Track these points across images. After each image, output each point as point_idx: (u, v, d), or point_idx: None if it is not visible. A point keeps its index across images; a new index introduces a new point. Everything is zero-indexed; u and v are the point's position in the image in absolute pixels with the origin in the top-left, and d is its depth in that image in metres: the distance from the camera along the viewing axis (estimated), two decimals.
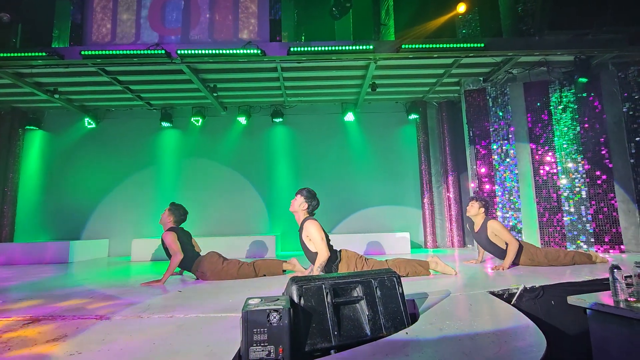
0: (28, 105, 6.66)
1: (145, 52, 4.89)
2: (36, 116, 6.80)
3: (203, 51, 4.91)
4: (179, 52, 4.88)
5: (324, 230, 3.13)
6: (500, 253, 3.70)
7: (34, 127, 6.73)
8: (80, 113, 6.80)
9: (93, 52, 4.93)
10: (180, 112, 6.98)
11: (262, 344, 1.38)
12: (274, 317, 1.41)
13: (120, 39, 5.61)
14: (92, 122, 6.80)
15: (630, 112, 5.11)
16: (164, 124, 6.80)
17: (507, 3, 5.75)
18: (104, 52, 4.94)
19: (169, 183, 6.82)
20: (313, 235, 3.05)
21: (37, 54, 4.88)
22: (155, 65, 5.19)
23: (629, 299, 2.12)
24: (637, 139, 5.03)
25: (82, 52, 4.91)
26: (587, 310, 2.28)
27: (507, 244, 3.60)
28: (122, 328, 1.87)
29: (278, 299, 1.56)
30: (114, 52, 4.93)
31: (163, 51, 4.88)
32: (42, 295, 2.79)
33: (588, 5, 4.71)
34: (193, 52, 4.91)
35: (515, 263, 3.70)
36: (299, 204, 3.19)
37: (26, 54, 4.90)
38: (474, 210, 3.86)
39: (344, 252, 3.24)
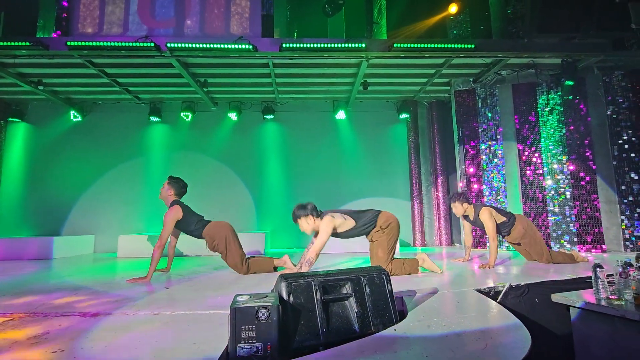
0: (11, 96, 6.46)
1: (134, 44, 4.79)
2: (19, 108, 6.60)
3: (193, 45, 4.84)
4: (168, 45, 4.79)
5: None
6: (503, 228, 3.88)
7: (17, 120, 6.53)
8: (66, 106, 6.63)
9: (79, 43, 4.80)
10: (170, 107, 6.87)
11: (250, 341, 1.37)
12: (263, 314, 1.40)
13: (108, 31, 5.47)
14: (78, 115, 6.63)
15: (614, 116, 5.24)
16: (153, 119, 6.69)
17: (497, 5, 5.82)
18: (90, 44, 4.81)
19: (156, 179, 6.70)
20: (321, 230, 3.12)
21: (20, 43, 4.72)
22: (144, 58, 5.09)
23: (610, 296, 2.18)
24: (619, 141, 5.17)
25: (68, 43, 4.78)
26: (570, 307, 2.34)
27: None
28: (106, 325, 1.83)
29: (267, 296, 1.55)
30: (102, 44, 4.81)
31: (152, 44, 4.79)
32: (23, 292, 2.72)
33: (575, 9, 4.80)
34: (183, 45, 4.83)
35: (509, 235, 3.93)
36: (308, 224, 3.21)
37: (9, 44, 4.74)
38: (461, 210, 3.96)
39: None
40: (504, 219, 3.89)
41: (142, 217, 6.57)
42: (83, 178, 6.61)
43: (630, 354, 1.98)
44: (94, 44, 4.81)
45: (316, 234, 3.24)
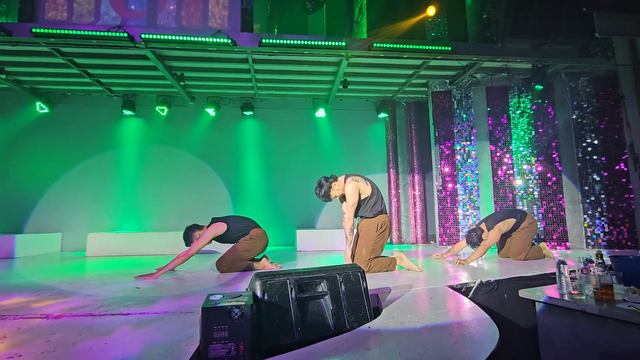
0: None
1: (106, 34, 4.58)
2: None
3: (169, 37, 4.68)
4: (143, 36, 4.61)
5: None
6: (514, 228, 4.08)
7: None
8: (31, 96, 6.26)
9: (46, 31, 4.54)
10: (144, 100, 6.63)
11: (223, 342, 1.35)
12: (236, 314, 1.38)
13: (77, 18, 5.20)
14: (44, 107, 6.28)
15: (579, 120, 5.52)
16: (126, 112, 6.43)
17: (473, 10, 5.99)
18: (58, 31, 4.55)
19: (129, 174, 6.47)
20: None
21: None
22: (117, 48, 4.88)
23: (572, 291, 2.29)
24: (583, 144, 5.45)
25: (34, 30, 4.51)
26: (536, 302, 2.45)
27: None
28: (70, 328, 1.75)
29: (240, 295, 1.52)
30: (70, 32, 4.56)
31: (125, 34, 4.60)
32: None
33: (546, 17, 5.00)
34: (158, 37, 4.66)
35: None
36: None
37: None
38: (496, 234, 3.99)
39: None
40: (514, 220, 4.07)
41: (114, 214, 6.32)
42: (49, 173, 6.27)
43: (589, 345, 2.09)
44: (62, 32, 4.56)
45: (343, 198, 3.38)
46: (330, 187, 3.33)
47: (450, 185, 5.79)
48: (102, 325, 1.80)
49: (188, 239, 3.57)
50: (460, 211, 5.70)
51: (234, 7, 5.38)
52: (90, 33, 4.58)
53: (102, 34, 4.58)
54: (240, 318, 1.38)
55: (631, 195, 5.18)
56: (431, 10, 5.72)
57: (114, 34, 4.58)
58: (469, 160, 5.76)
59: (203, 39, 4.74)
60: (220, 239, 3.57)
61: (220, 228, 3.50)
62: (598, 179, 5.31)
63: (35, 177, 6.22)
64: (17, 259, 4.93)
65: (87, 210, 6.26)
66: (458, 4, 6.19)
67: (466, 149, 5.79)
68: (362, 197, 3.36)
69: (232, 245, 3.57)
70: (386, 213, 3.46)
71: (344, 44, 4.92)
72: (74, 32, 4.57)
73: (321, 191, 3.33)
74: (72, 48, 4.88)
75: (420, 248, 5.89)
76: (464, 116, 5.86)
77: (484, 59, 5.22)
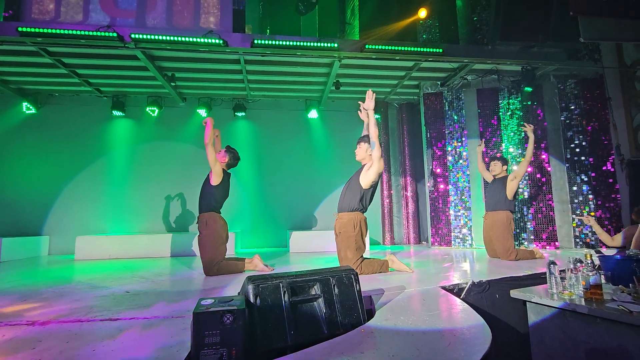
0: None
1: (95, 33, 4.51)
2: None
3: (160, 37, 4.63)
4: (133, 36, 4.55)
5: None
6: (501, 200, 4.32)
7: None
8: (18, 97, 6.13)
9: (32, 30, 4.45)
10: (134, 101, 6.54)
11: (214, 347, 1.32)
12: (228, 319, 1.36)
13: (65, 17, 5.10)
14: (31, 108, 6.15)
15: (567, 121, 5.61)
16: (116, 113, 6.34)
17: (464, 12, 6.05)
18: (45, 31, 4.47)
19: (119, 176, 6.37)
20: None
21: None
22: (106, 48, 4.81)
23: (562, 291, 2.32)
24: (571, 145, 5.54)
25: (20, 29, 4.42)
26: (527, 302, 2.47)
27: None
28: (57, 335, 1.71)
29: (232, 299, 1.50)
30: (58, 31, 4.48)
31: (115, 34, 4.53)
32: None
33: (535, 20, 5.08)
34: (149, 37, 4.60)
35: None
36: (365, 150, 3.48)
37: None
38: (498, 169, 4.50)
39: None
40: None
41: (103, 216, 6.22)
42: (36, 174, 6.14)
43: (579, 344, 2.12)
44: (50, 31, 4.48)
45: (362, 167, 3.48)
46: (365, 142, 3.48)
47: (442, 186, 5.83)
48: (91, 331, 1.76)
49: (207, 186, 3.71)
50: (452, 212, 5.75)
51: (225, 7, 5.34)
52: (78, 33, 4.51)
53: (90, 33, 4.50)
54: (232, 323, 1.36)
55: (618, 196, 5.28)
56: (422, 13, 5.77)
57: (103, 34, 4.52)
58: (460, 161, 5.82)
59: (194, 40, 4.70)
60: (207, 186, 3.66)
61: (221, 171, 3.64)
62: (586, 179, 5.40)
63: (21, 179, 6.09)
64: (2, 263, 4.81)
65: (76, 213, 6.14)
66: (449, 7, 6.25)
67: (457, 150, 5.84)
68: (369, 185, 3.33)
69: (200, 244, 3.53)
70: (365, 211, 3.43)
71: (336, 45, 4.92)
72: (62, 31, 4.49)
73: (363, 138, 3.53)
74: (59, 48, 4.79)
75: (412, 249, 5.92)
76: (455, 117, 5.92)
77: (475, 60, 5.28)
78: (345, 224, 3.30)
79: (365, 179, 3.33)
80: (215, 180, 3.59)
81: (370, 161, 3.35)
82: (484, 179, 5.71)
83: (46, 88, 6.17)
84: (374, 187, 3.38)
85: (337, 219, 3.44)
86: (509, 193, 4.26)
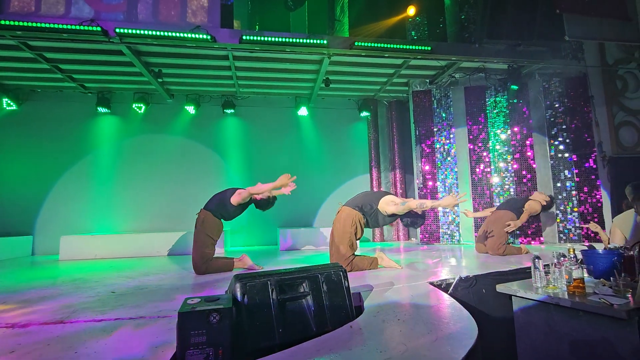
0: None
1: (78, 27, 4.38)
2: None
3: (146, 32, 4.52)
4: (117, 30, 4.44)
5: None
6: (516, 208, 4.39)
7: None
8: None
9: (11, 23, 4.30)
10: (120, 98, 6.40)
11: (200, 347, 1.31)
12: (214, 318, 1.34)
13: (46, 11, 4.94)
14: (12, 104, 5.97)
15: (551, 119, 5.72)
16: (101, 110, 6.19)
17: (452, 11, 6.10)
18: (25, 24, 4.33)
19: (104, 175, 6.24)
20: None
21: None
22: (90, 43, 4.68)
23: (546, 285, 2.37)
24: (555, 142, 5.66)
25: None
26: (512, 296, 2.52)
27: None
28: (38, 336, 1.66)
29: (219, 298, 1.49)
30: (39, 25, 4.34)
31: (99, 28, 4.42)
32: None
33: (520, 18, 5.15)
34: (134, 31, 4.50)
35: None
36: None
37: None
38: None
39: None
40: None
41: (88, 215, 6.08)
42: (18, 173, 5.97)
43: (563, 337, 2.17)
44: (30, 24, 4.34)
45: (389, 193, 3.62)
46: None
47: (430, 183, 5.88)
48: (73, 333, 1.72)
49: (226, 199, 3.63)
50: (440, 208, 5.81)
51: (213, 2, 5.26)
52: (60, 26, 4.37)
53: (73, 27, 4.38)
54: (219, 322, 1.35)
55: (599, 192, 5.42)
56: (411, 10, 5.79)
57: (86, 28, 4.40)
58: (449, 158, 5.88)
59: (181, 35, 4.62)
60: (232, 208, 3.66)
61: (248, 196, 3.63)
62: (569, 175, 5.53)
63: (2, 178, 5.91)
64: None
65: (60, 212, 5.99)
66: (437, 5, 6.29)
67: (446, 147, 5.90)
68: (384, 211, 3.39)
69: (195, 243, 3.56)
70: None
71: (325, 42, 4.90)
72: (43, 24, 4.35)
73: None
74: (41, 42, 4.65)
75: (402, 245, 5.96)
76: (444, 115, 5.97)
77: (462, 59, 5.33)
78: (344, 218, 3.36)
79: (386, 207, 3.36)
80: (237, 199, 3.58)
81: (395, 206, 3.34)
82: (471, 176, 5.78)
83: (28, 84, 5.98)
84: (384, 213, 3.43)
85: (339, 211, 3.50)
86: (525, 211, 4.33)
